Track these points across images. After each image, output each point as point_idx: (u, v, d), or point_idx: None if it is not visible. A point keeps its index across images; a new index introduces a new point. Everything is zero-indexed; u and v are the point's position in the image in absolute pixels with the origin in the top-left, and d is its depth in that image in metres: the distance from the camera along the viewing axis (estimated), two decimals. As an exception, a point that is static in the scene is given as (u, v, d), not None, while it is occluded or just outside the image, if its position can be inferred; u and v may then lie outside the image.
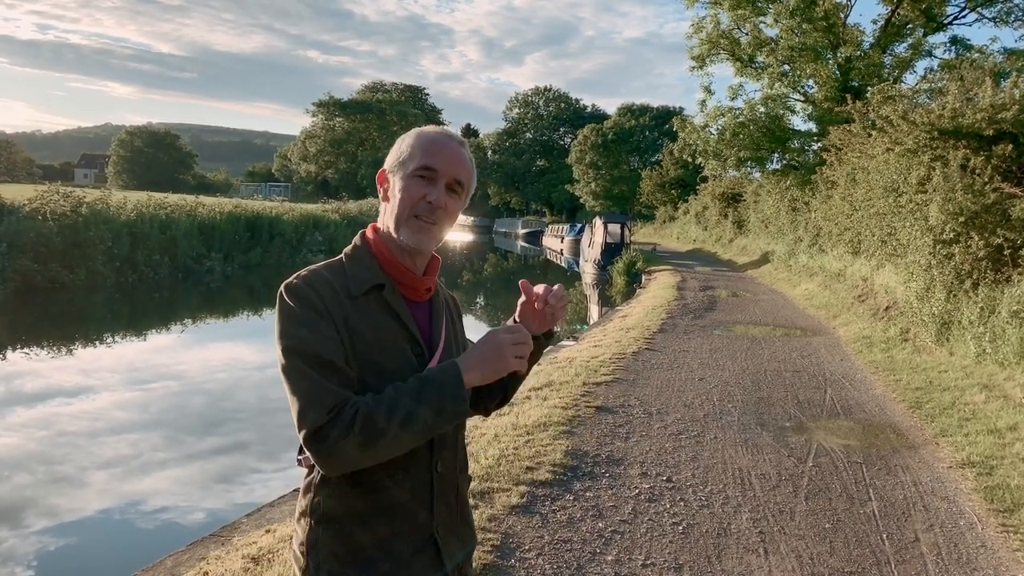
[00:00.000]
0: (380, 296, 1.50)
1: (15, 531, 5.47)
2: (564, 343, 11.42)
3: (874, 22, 23.62)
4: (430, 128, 1.58)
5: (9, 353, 11.64)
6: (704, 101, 26.00)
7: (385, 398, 1.38)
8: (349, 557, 1.46)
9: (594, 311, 19.79)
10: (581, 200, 67.55)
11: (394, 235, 1.51)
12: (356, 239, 1.59)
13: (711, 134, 24.81)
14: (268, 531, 4.27)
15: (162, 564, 4.18)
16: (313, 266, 1.53)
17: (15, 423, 7.95)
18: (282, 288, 1.45)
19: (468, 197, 1.59)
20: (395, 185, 1.53)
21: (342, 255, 1.57)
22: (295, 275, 1.49)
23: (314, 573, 1.47)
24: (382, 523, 1.46)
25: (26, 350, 12.01)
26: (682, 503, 4.54)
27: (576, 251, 39.01)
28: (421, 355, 1.52)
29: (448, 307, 1.68)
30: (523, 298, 1.60)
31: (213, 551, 4.15)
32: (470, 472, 1.72)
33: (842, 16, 23.02)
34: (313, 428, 1.34)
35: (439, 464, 1.52)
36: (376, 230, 1.57)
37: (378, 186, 1.58)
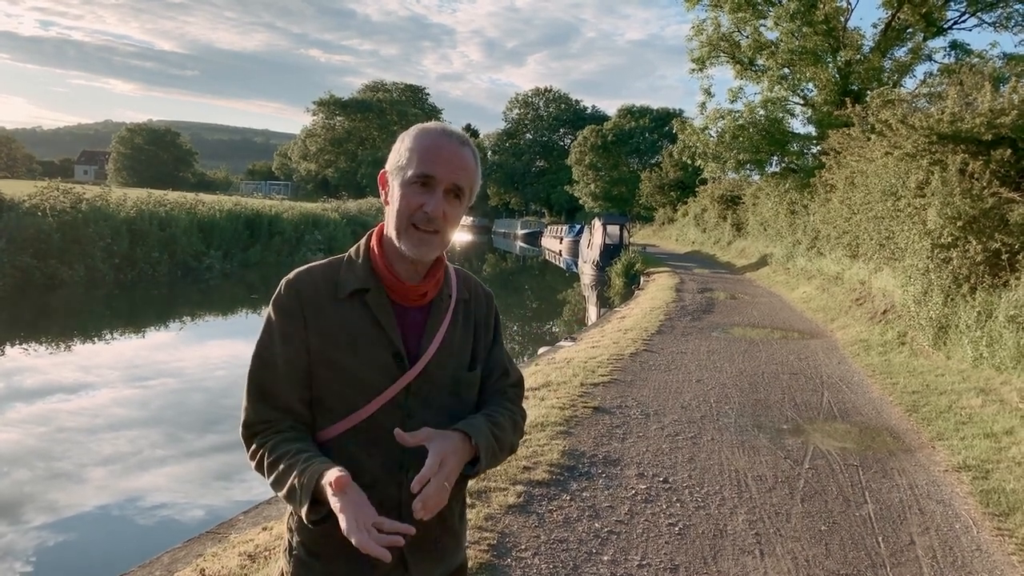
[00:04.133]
0: (364, 300, 1.50)
1: (14, 526, 5.47)
2: (562, 343, 11.43)
3: (874, 26, 23.71)
4: (430, 127, 1.53)
5: (8, 349, 11.64)
6: (704, 103, 26.04)
7: (275, 453, 1.44)
8: (318, 549, 1.51)
9: (592, 312, 19.81)
10: (580, 201, 67.61)
11: (395, 243, 1.50)
12: (362, 240, 1.59)
13: (711, 136, 24.82)
14: (265, 528, 4.28)
15: (159, 561, 4.19)
16: (314, 263, 1.57)
17: (14, 419, 7.95)
18: (281, 283, 1.53)
19: (472, 197, 1.55)
20: (394, 191, 1.50)
21: (347, 254, 1.59)
22: (295, 271, 1.55)
23: (291, 556, 1.55)
24: None
25: (25, 346, 12.00)
26: (678, 504, 4.55)
27: (575, 252, 39.03)
28: (402, 362, 1.50)
29: (464, 312, 1.63)
30: None
31: (210, 548, 4.15)
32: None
33: (842, 20, 23.04)
34: (241, 432, 1.51)
35: (412, 472, 1.46)
36: (382, 232, 1.57)
37: (380, 188, 1.56)
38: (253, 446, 1.48)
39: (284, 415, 1.49)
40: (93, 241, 18.14)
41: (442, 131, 1.52)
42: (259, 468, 1.47)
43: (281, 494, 1.42)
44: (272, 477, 1.43)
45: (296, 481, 1.37)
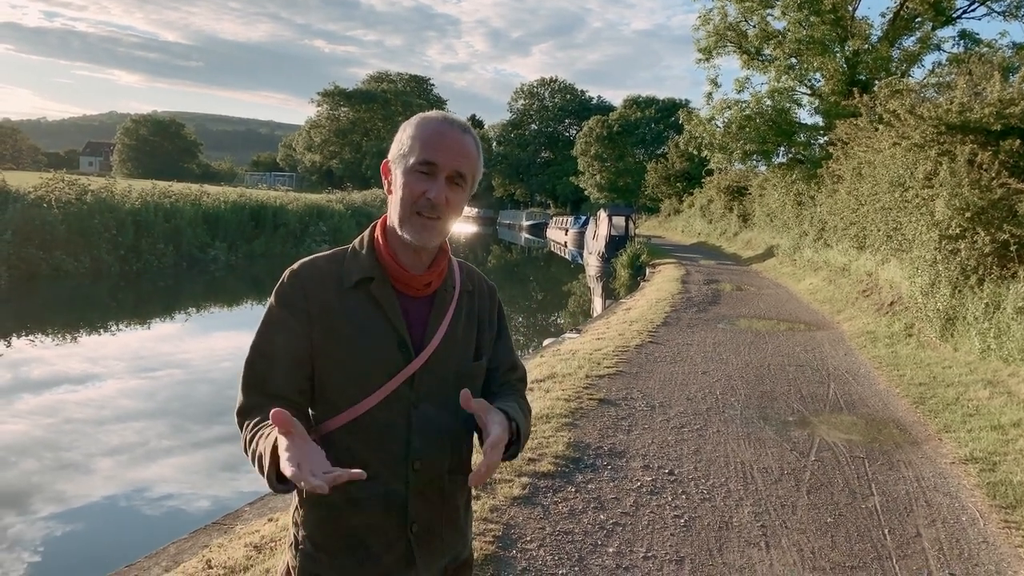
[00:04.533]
0: (368, 290, 1.50)
1: (22, 516, 5.50)
2: (567, 335, 11.42)
3: (882, 15, 23.54)
4: (432, 115, 1.53)
5: (15, 340, 11.69)
6: (710, 93, 25.95)
7: (252, 432, 1.42)
8: (323, 541, 1.50)
9: (598, 304, 19.79)
10: (586, 192, 67.49)
11: (398, 231, 1.50)
12: (366, 232, 1.59)
13: (717, 127, 24.72)
14: (271, 519, 4.29)
15: (165, 551, 4.20)
16: (318, 254, 1.57)
17: (22, 410, 7.99)
18: (285, 273, 1.53)
19: (474, 185, 1.55)
20: (396, 179, 1.50)
21: (351, 245, 1.58)
22: (299, 262, 1.55)
23: (296, 550, 1.54)
24: (354, 513, 1.47)
25: (31, 338, 12.06)
26: (684, 496, 4.55)
27: (580, 243, 38.98)
28: (407, 352, 1.49)
29: (468, 303, 1.62)
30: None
31: (216, 539, 4.17)
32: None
33: (850, 9, 22.88)
34: (235, 420, 1.52)
35: (416, 462, 1.49)
36: (386, 223, 1.56)
37: (382, 177, 1.56)
38: (242, 432, 1.48)
39: (274, 401, 1.44)
40: (98, 233, 18.18)
41: (443, 119, 1.52)
42: (245, 452, 1.45)
43: (255, 469, 1.37)
44: (250, 455, 1.41)
45: (261, 447, 1.33)
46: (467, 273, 1.66)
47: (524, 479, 4.56)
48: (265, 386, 1.48)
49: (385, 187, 1.55)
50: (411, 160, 1.47)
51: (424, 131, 1.48)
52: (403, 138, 1.51)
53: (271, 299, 1.52)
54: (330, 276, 1.51)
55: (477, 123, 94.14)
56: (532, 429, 5.63)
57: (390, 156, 1.54)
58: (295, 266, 1.54)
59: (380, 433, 1.48)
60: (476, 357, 1.61)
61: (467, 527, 1.66)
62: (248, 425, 1.46)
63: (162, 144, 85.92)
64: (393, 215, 1.51)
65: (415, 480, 1.49)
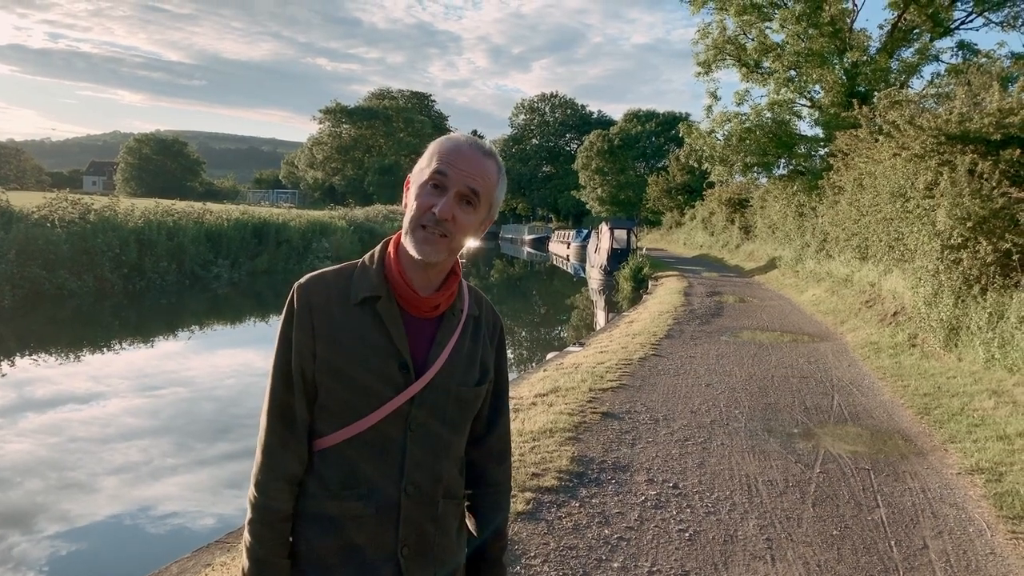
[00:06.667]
0: (374, 308, 1.49)
1: (26, 536, 5.49)
2: (570, 349, 11.41)
3: (881, 27, 23.63)
4: (457, 134, 1.53)
5: (19, 360, 11.70)
6: (710, 107, 26.06)
7: (265, 527, 1.49)
8: (315, 558, 1.49)
9: (600, 317, 19.77)
10: (587, 206, 67.66)
11: (404, 244, 1.49)
12: (378, 247, 1.58)
13: (717, 139, 24.81)
14: (275, 537, 4.27)
15: (168, 570, 4.19)
16: (327, 269, 1.56)
17: (26, 429, 7.99)
18: (293, 289, 1.53)
19: (490, 209, 1.53)
20: (411, 192, 1.50)
21: (361, 260, 1.57)
22: (306, 276, 1.54)
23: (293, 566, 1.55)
24: (346, 532, 1.47)
25: (35, 357, 12.07)
26: (688, 510, 4.53)
27: (582, 257, 39.03)
28: (408, 373, 1.48)
29: (473, 327, 1.61)
30: None
31: (219, 557, 4.15)
32: (466, 492, 1.65)
33: (848, 21, 23.01)
34: (260, 459, 1.52)
35: (409, 486, 1.48)
36: (400, 240, 1.55)
37: (404, 193, 1.55)
38: (258, 503, 1.49)
39: (299, 444, 1.50)
40: (102, 251, 18.23)
41: (466, 138, 1.51)
42: (247, 536, 1.50)
43: (244, 549, 1.51)
44: (251, 540, 1.48)
45: (262, 554, 1.47)
46: (476, 298, 1.65)
47: (528, 494, 4.55)
48: (288, 414, 1.49)
49: (403, 204, 1.54)
50: (426, 173, 1.47)
51: (443, 146, 1.49)
52: (424, 155, 1.51)
53: (281, 316, 1.52)
54: (336, 290, 1.50)
55: (479, 138, 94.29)
56: (536, 444, 5.58)
57: (412, 173, 1.54)
58: (302, 280, 1.53)
59: (376, 452, 1.47)
60: (478, 382, 1.59)
61: (460, 549, 1.63)
62: (258, 526, 1.48)
63: (165, 163, 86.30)
64: (403, 228, 1.50)
65: (408, 501, 1.48)
